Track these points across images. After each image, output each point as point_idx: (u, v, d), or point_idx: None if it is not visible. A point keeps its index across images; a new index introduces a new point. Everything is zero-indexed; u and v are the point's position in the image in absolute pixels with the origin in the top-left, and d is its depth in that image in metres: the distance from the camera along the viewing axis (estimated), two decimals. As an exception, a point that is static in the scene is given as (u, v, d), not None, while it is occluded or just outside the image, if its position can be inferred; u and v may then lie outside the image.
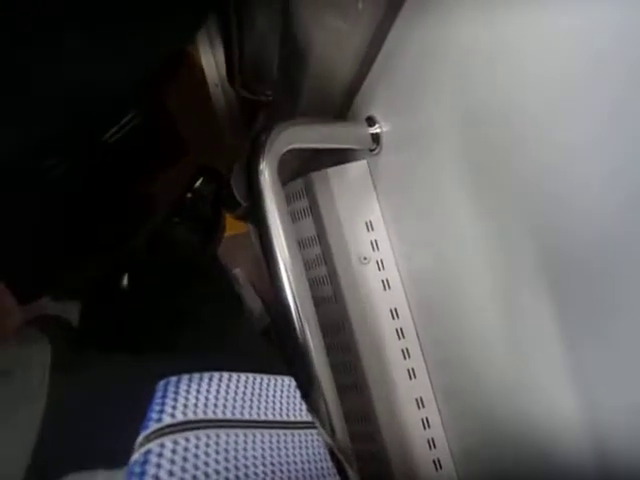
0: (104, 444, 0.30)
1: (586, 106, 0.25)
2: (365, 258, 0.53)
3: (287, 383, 0.37)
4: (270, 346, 0.64)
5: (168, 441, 0.28)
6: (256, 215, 0.37)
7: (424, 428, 0.52)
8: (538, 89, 0.28)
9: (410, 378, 0.52)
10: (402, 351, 0.52)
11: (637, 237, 0.23)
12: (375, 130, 0.49)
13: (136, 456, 0.27)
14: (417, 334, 0.52)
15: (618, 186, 0.24)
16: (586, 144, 0.25)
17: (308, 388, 0.40)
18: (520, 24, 0.28)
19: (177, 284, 0.83)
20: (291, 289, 0.37)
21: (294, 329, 0.37)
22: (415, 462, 0.51)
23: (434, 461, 0.51)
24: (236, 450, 0.30)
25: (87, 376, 0.37)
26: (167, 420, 0.29)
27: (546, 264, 0.31)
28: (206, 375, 0.33)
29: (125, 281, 1.01)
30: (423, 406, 0.52)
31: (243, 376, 0.35)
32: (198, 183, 1.07)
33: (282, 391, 0.37)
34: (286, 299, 0.37)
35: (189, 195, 1.05)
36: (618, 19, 0.22)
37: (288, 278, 0.37)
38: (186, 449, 0.28)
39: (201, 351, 0.51)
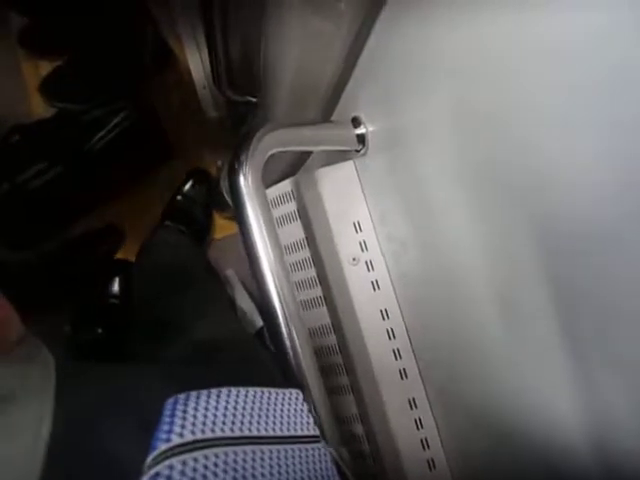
0: (116, 466, 0.30)
1: (578, 104, 0.24)
2: (354, 259, 0.52)
3: (294, 396, 0.37)
4: (263, 351, 0.63)
5: (177, 462, 0.27)
6: (239, 221, 0.36)
7: (417, 428, 0.52)
8: (524, 86, 0.27)
9: (402, 378, 0.52)
10: (393, 351, 0.52)
11: (637, 235, 0.23)
12: (360, 131, 0.49)
13: (145, 479, 0.26)
14: (408, 334, 0.52)
15: (618, 185, 0.23)
16: (572, 140, 0.25)
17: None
18: (504, 21, 0.28)
19: (167, 288, 0.83)
20: (277, 294, 0.37)
21: (281, 334, 0.37)
22: (409, 462, 0.51)
23: (428, 461, 0.51)
24: (244, 468, 0.30)
25: (93, 392, 0.37)
26: (176, 440, 0.28)
27: (543, 260, 0.31)
28: (213, 392, 0.33)
29: (116, 286, 1.01)
30: (416, 406, 0.52)
31: (251, 391, 0.35)
32: (188, 185, 1.07)
33: (289, 405, 0.37)
34: (272, 305, 0.37)
35: (179, 198, 1.05)
36: (605, 18, 0.21)
37: (274, 284, 0.37)
38: (195, 470, 0.27)
39: (200, 364, 0.51)
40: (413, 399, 0.52)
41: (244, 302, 1.01)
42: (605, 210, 0.24)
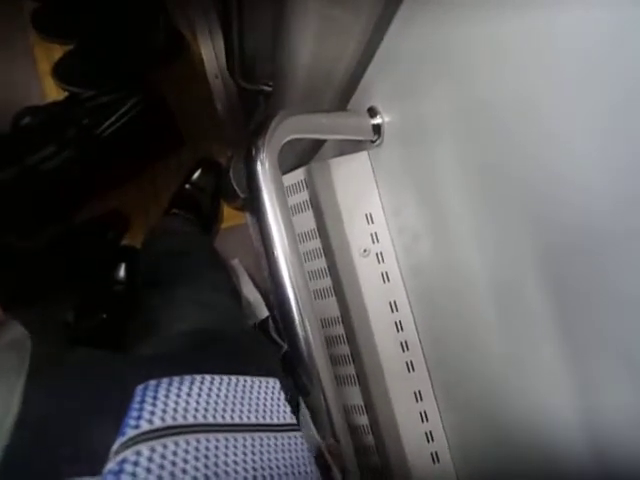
0: (87, 451, 0.29)
1: (585, 102, 0.24)
2: (365, 251, 0.52)
3: (271, 385, 0.37)
4: (265, 342, 0.63)
5: (145, 448, 0.27)
6: (255, 207, 0.36)
7: (422, 421, 0.52)
8: (541, 83, 0.27)
9: (409, 371, 0.52)
10: (401, 344, 0.52)
11: (636, 233, 0.23)
12: (377, 121, 0.48)
13: (111, 465, 0.26)
14: (416, 327, 0.52)
15: (617, 183, 0.23)
16: (585, 140, 0.25)
17: (307, 382, 0.39)
18: (522, 19, 0.28)
19: (174, 276, 0.83)
20: (291, 283, 0.37)
21: (293, 323, 0.37)
22: (413, 455, 0.51)
23: (432, 454, 0.51)
24: (216, 456, 0.29)
25: (69, 379, 0.36)
26: (145, 426, 0.28)
27: (547, 260, 0.31)
28: (187, 378, 0.32)
29: (122, 272, 1.01)
30: (421, 399, 0.52)
31: (226, 378, 0.34)
32: (197, 174, 1.07)
33: (266, 393, 0.36)
34: (285, 293, 0.37)
35: (188, 186, 1.05)
36: (614, 18, 0.21)
37: (288, 271, 0.37)
38: (163, 456, 0.27)
39: (188, 352, 0.50)
40: (419, 392, 0.52)
41: (249, 292, 1.01)
42: (607, 215, 0.24)
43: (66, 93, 1.01)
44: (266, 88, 0.68)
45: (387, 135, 0.49)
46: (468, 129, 0.37)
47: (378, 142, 0.49)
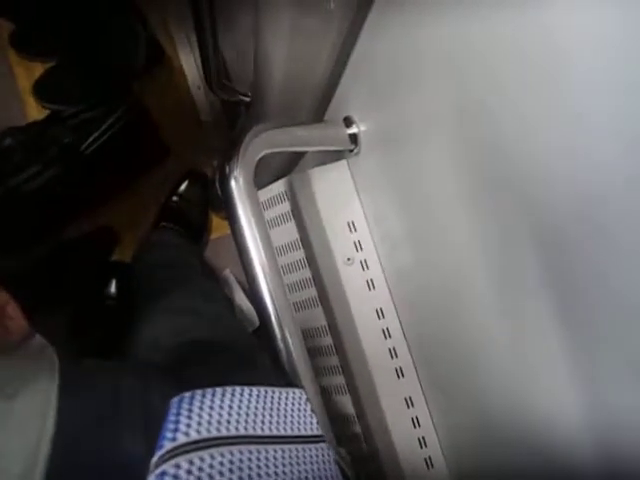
0: (119, 463, 0.30)
1: (568, 100, 0.24)
2: (349, 259, 0.52)
3: (298, 396, 0.37)
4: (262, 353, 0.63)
5: (183, 461, 0.27)
6: (231, 224, 0.36)
7: (414, 427, 0.52)
8: (516, 85, 0.27)
9: (398, 377, 0.52)
10: (389, 350, 0.52)
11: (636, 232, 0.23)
12: (353, 130, 0.48)
13: (152, 478, 0.26)
14: (403, 333, 0.52)
15: (616, 182, 0.23)
16: (571, 140, 0.25)
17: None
18: (491, 19, 0.27)
19: (165, 289, 0.83)
20: (270, 297, 0.37)
21: (274, 336, 0.37)
22: (406, 461, 0.51)
23: (425, 460, 0.51)
24: (250, 468, 0.30)
25: (98, 392, 0.37)
26: (182, 439, 0.29)
27: (537, 258, 0.30)
28: (219, 390, 0.33)
29: (113, 288, 1.01)
30: (412, 405, 0.52)
31: (255, 390, 0.35)
32: (184, 186, 1.06)
33: (293, 404, 0.37)
34: (265, 308, 0.37)
35: (175, 199, 1.05)
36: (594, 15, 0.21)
37: (267, 286, 0.37)
38: (201, 469, 0.28)
39: (202, 364, 0.51)
40: (410, 398, 0.52)
41: (242, 301, 1.01)
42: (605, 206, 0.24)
43: (47, 111, 1.00)
44: (245, 98, 0.68)
45: (364, 144, 0.49)
46: (444, 132, 0.37)
47: (356, 151, 0.49)
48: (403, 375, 0.52)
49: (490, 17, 0.27)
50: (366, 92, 0.47)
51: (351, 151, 0.50)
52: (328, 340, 0.55)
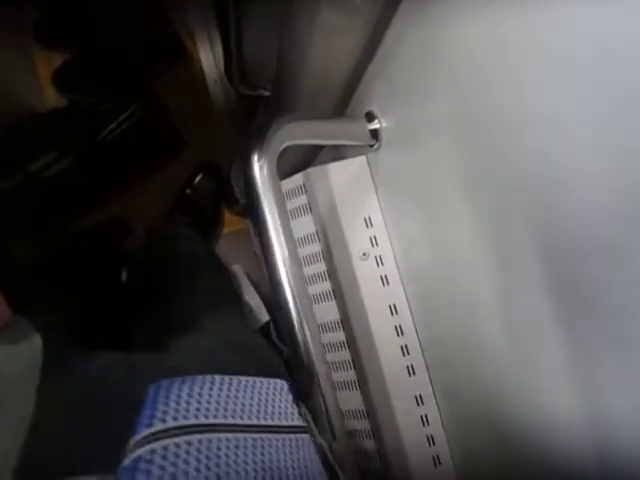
0: (99, 448, 0.30)
1: (585, 101, 0.24)
2: (364, 254, 0.52)
3: (279, 386, 0.37)
4: (268, 345, 0.64)
5: (158, 447, 0.27)
6: (254, 214, 0.36)
7: (423, 425, 0.52)
8: (537, 85, 0.28)
9: (409, 375, 0.52)
10: (401, 348, 0.52)
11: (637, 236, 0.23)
12: (374, 126, 0.49)
13: (126, 462, 0.26)
14: (416, 331, 0.52)
15: (618, 181, 0.23)
16: (585, 141, 0.25)
17: (307, 386, 0.39)
18: (517, 21, 0.28)
19: (176, 280, 0.83)
20: (290, 288, 0.37)
21: (293, 328, 0.37)
22: (414, 458, 0.51)
23: (433, 457, 0.51)
24: (227, 455, 0.30)
25: (81, 377, 0.36)
26: (158, 425, 0.29)
27: (548, 261, 0.31)
28: (198, 378, 0.33)
29: (124, 277, 1.02)
30: (422, 403, 0.52)
31: (235, 379, 0.35)
32: (198, 179, 1.07)
33: (274, 394, 0.37)
34: (285, 298, 0.37)
35: (189, 191, 1.06)
36: (614, 14, 0.21)
37: (287, 276, 0.37)
38: (176, 455, 0.28)
39: (195, 350, 0.51)
40: (420, 396, 0.52)
41: (250, 297, 1.01)
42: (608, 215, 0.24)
43: (66, 101, 1.02)
44: (264, 93, 0.69)
45: (385, 139, 0.49)
46: (464, 134, 0.37)
47: (376, 147, 0.50)
48: (414, 373, 0.52)
49: (517, 16, 0.27)
50: (389, 88, 0.47)
51: (371, 146, 0.50)
52: (340, 334, 0.55)
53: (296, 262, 0.37)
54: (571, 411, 0.32)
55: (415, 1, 0.39)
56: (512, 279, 0.36)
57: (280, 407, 0.37)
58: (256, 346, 0.61)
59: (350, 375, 0.55)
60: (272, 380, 0.38)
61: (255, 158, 0.37)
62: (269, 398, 0.36)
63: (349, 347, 0.55)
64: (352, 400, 0.56)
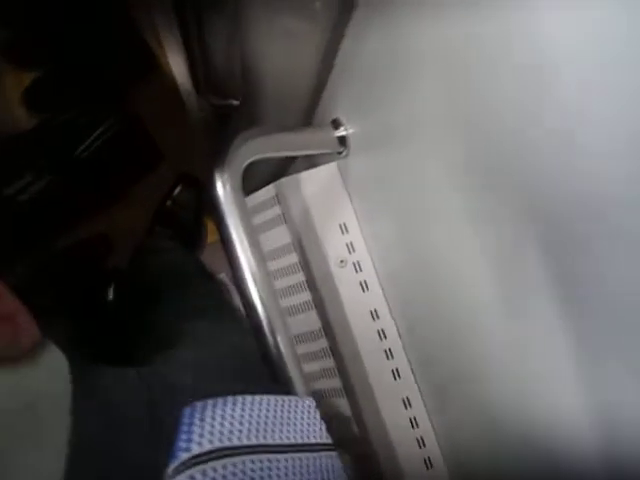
0: (135, 471, 0.30)
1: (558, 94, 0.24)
2: (342, 261, 0.52)
3: (307, 404, 0.38)
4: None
5: (197, 473, 0.28)
6: (219, 231, 0.36)
7: (412, 427, 0.52)
8: (510, 83, 0.27)
9: (395, 378, 0.52)
10: (385, 352, 0.52)
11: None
12: (341, 133, 0.48)
13: None
14: (399, 334, 0.52)
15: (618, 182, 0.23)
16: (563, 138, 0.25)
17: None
18: (479, 19, 0.27)
19: (162, 293, 0.82)
20: (261, 303, 0.37)
21: (267, 344, 0.37)
22: (405, 462, 0.51)
23: (424, 460, 0.51)
24: (261, 477, 0.30)
25: (105, 399, 0.37)
26: (195, 449, 0.29)
27: (543, 253, 0.30)
28: (230, 399, 0.33)
29: (109, 295, 1.01)
30: (410, 406, 0.52)
31: (265, 399, 0.35)
32: (177, 191, 1.06)
33: (303, 413, 0.37)
34: (256, 314, 0.36)
35: (169, 203, 1.05)
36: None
37: (257, 292, 0.36)
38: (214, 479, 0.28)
39: (200, 365, 0.51)
40: (407, 398, 0.52)
41: (237, 305, 1.01)
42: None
43: (38, 120, 1.00)
44: (233, 102, 0.68)
45: (353, 146, 0.49)
46: (431, 132, 0.37)
47: (345, 153, 0.49)
48: (400, 376, 0.52)
49: (477, 15, 0.27)
50: (353, 94, 0.47)
51: (340, 153, 0.50)
52: (324, 343, 0.55)
53: (264, 277, 0.37)
54: (576, 409, 0.32)
55: (368, 8, 0.38)
56: (497, 275, 0.35)
57: (309, 425, 0.37)
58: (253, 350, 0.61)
59: (336, 382, 0.55)
60: (300, 399, 0.38)
61: (217, 176, 0.37)
62: (298, 416, 0.36)
63: (333, 354, 0.55)
64: (339, 407, 0.55)
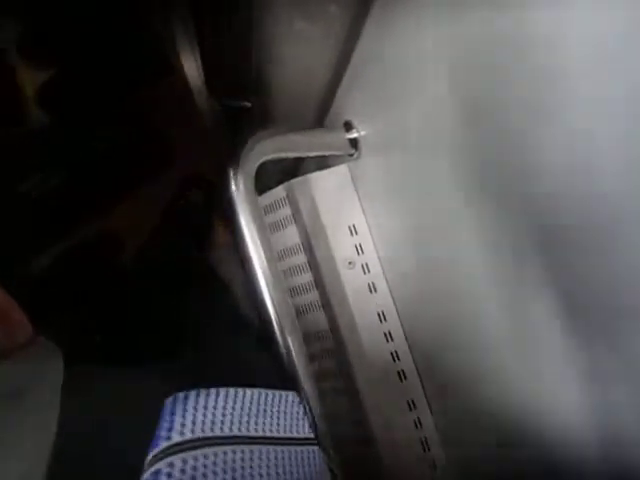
0: (120, 464, 0.31)
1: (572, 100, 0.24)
2: (350, 262, 0.53)
3: (290, 399, 0.38)
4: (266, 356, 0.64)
5: (177, 460, 0.28)
6: (233, 231, 0.37)
7: (416, 428, 0.52)
8: (519, 86, 0.27)
9: (401, 380, 0.52)
10: (391, 354, 0.52)
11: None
12: (352, 135, 0.49)
13: (145, 476, 0.27)
14: (405, 336, 0.52)
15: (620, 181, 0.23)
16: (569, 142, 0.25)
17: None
18: (491, 21, 0.28)
19: (171, 293, 0.83)
20: (271, 302, 0.37)
21: (277, 343, 0.37)
22: (410, 464, 0.52)
23: (428, 461, 0.51)
24: (242, 467, 0.31)
25: (98, 395, 0.37)
26: (176, 438, 0.29)
27: (546, 256, 0.30)
28: (212, 391, 0.33)
29: (118, 293, 1.02)
30: (415, 407, 0.52)
31: (248, 391, 0.35)
32: (188, 191, 1.07)
33: (285, 407, 0.37)
34: (267, 313, 0.37)
35: (178, 205, 1.06)
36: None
37: (268, 291, 0.37)
38: (194, 468, 0.28)
39: (204, 365, 0.52)
40: (412, 400, 0.52)
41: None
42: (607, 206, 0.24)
43: (51, 118, 1.02)
44: (247, 104, 0.69)
45: (364, 148, 0.49)
46: (443, 136, 0.37)
47: (356, 155, 0.50)
48: (406, 378, 0.52)
49: (496, 16, 0.27)
50: (365, 96, 0.47)
51: (351, 155, 0.50)
52: (330, 343, 0.55)
53: (276, 277, 0.37)
54: (578, 410, 0.32)
55: (384, 9, 0.39)
56: (503, 278, 0.35)
57: (292, 419, 0.37)
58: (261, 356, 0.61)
59: (341, 383, 0.55)
60: (284, 392, 0.38)
61: (232, 175, 0.38)
62: (281, 410, 0.37)
63: (339, 355, 0.55)
64: (344, 407, 0.56)
